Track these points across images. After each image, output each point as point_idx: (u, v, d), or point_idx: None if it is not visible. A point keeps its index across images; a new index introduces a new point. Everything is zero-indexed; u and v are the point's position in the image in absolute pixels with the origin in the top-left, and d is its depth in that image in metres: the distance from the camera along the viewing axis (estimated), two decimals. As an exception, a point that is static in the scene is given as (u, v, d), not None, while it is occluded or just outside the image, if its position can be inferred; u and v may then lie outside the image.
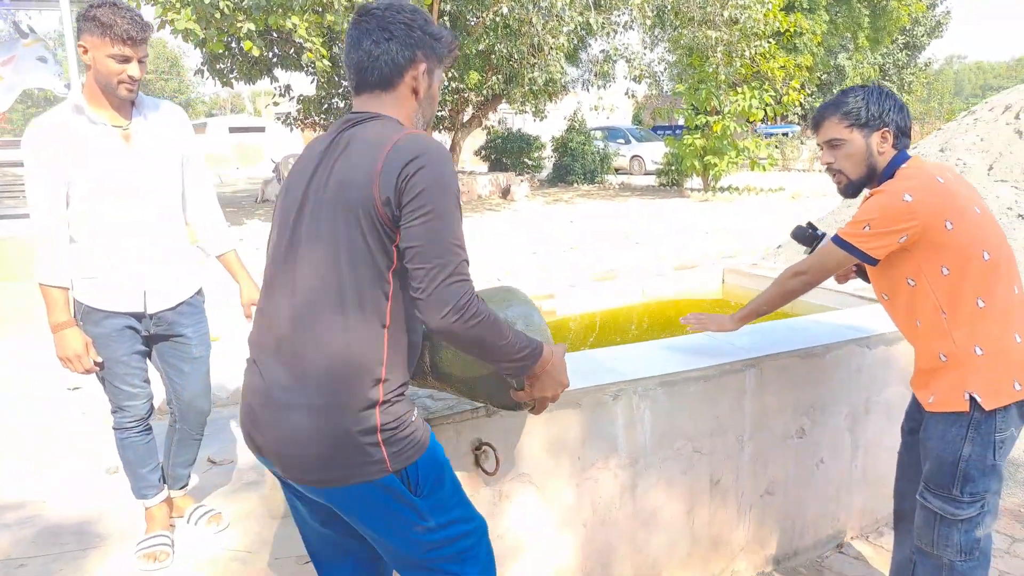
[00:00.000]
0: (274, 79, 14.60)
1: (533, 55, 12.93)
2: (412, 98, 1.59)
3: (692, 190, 16.98)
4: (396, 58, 1.54)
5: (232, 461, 3.83)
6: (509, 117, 24.36)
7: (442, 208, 1.42)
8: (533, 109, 16.16)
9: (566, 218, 13.11)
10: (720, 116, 15.47)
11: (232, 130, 33.84)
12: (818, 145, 2.16)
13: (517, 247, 9.82)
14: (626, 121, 28.23)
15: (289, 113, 16.44)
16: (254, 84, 14.85)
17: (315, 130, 17.64)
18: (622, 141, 24.23)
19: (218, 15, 9.83)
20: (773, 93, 15.49)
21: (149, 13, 9.75)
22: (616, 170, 23.26)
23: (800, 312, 3.49)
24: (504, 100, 15.92)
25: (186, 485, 3.05)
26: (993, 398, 1.92)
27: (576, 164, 19.47)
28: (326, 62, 10.50)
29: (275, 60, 14.12)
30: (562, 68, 13.14)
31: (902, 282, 2.04)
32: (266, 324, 1.55)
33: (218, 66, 13.74)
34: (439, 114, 16.78)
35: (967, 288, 1.94)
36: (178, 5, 9.63)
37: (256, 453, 1.58)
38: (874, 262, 1.99)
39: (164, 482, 2.95)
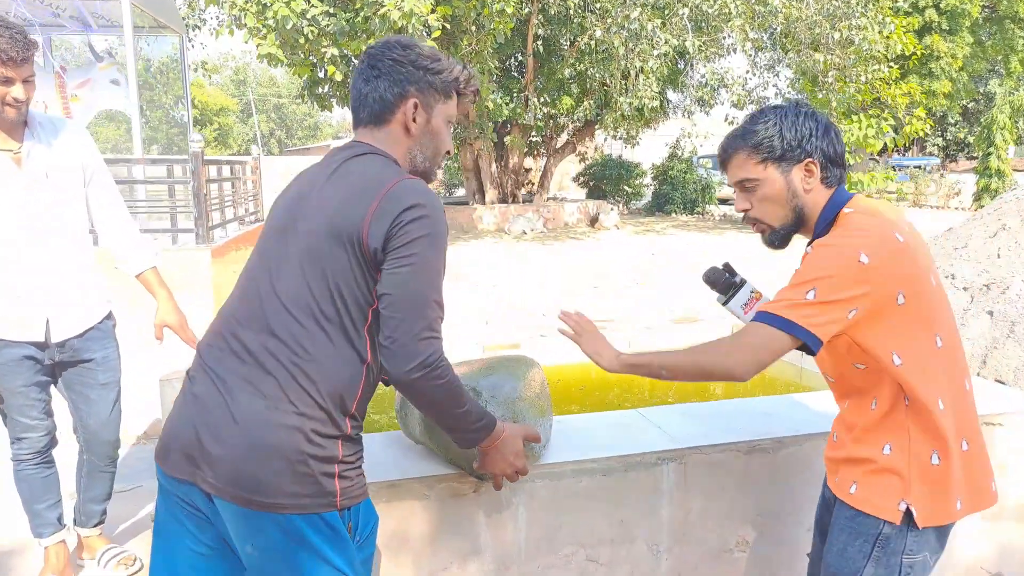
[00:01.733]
0: (370, 103, 14.89)
1: (624, 80, 12.48)
2: (405, 135, 1.55)
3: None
4: (384, 95, 1.52)
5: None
6: (616, 144, 23.89)
7: (428, 261, 1.41)
8: (625, 136, 15.65)
9: (650, 250, 12.49)
10: (831, 146, 14.31)
11: (353, 152, 35.24)
12: (731, 187, 1.68)
13: (566, 280, 9.35)
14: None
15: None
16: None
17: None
18: (732, 170, 23.13)
19: (302, 40, 10.09)
20: (893, 122, 14.18)
21: (240, 37, 10.18)
22: (725, 201, 22.21)
23: (761, 387, 2.90)
24: (597, 126, 15.51)
25: (101, 523, 2.88)
26: (931, 516, 1.51)
27: (676, 193, 18.67)
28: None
29: (371, 85, 14.39)
30: (654, 93, 12.58)
31: (848, 366, 1.57)
32: (230, 332, 1.45)
33: (317, 90, 14.19)
34: (533, 139, 16.59)
35: (925, 384, 1.51)
36: (264, 31, 9.97)
37: (164, 456, 1.45)
38: (818, 346, 1.48)
39: (67, 523, 2.80)
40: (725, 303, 1.80)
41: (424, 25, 9.59)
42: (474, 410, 1.54)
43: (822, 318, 1.45)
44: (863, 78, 13.32)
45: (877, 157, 25.35)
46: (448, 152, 1.62)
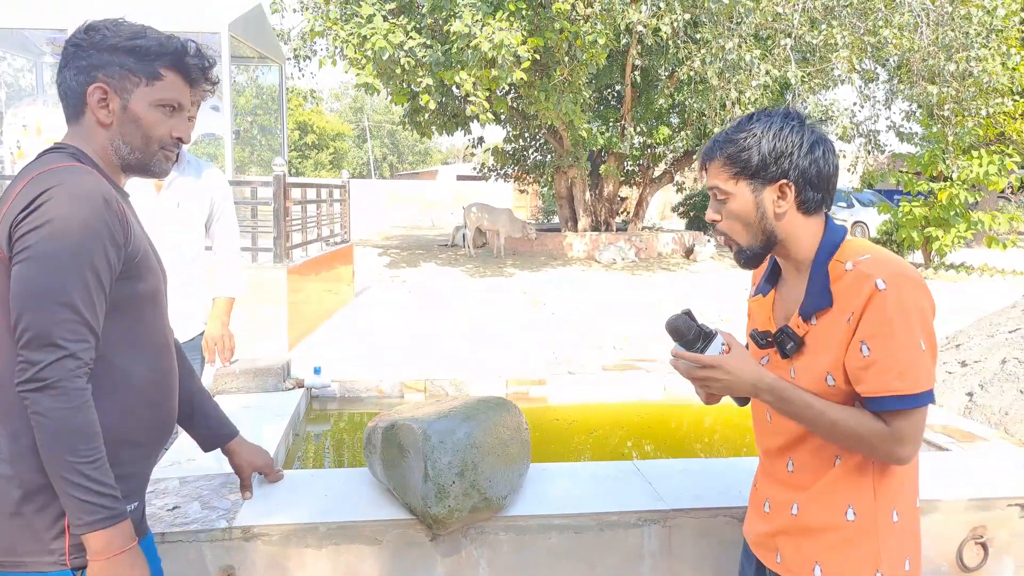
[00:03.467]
0: (468, 131, 15.21)
1: (721, 111, 12.13)
2: (100, 127, 1.38)
3: (911, 265, 14.73)
4: (71, 84, 1.37)
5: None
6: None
7: (47, 253, 1.20)
8: (723, 167, 15.11)
9: (743, 285, 11.97)
10: (948, 183, 13.32)
11: (459, 178, 36.16)
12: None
13: (648, 312, 9.06)
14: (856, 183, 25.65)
15: (484, 163, 17.06)
16: (451, 135, 15.60)
17: (505, 180, 18.14)
18: (843, 205, 21.98)
19: (399, 70, 10.42)
20: (1019, 159, 13.02)
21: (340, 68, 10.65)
22: (836, 236, 21.10)
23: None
24: (696, 156, 15.13)
25: None
26: None
27: (779, 227, 17.86)
28: (489, 115, 10.67)
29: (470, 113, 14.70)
30: (753, 125, 12.09)
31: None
32: None
33: (417, 118, 14.58)
34: (629, 168, 16.39)
35: None
36: (364, 61, 10.37)
37: None
38: None
39: None
40: (699, 350, 1.52)
41: (514, 56, 9.69)
42: (100, 478, 1.23)
43: (934, 368, 1.31)
44: (984, 112, 12.36)
45: (1010, 196, 23.39)
46: (181, 138, 1.42)
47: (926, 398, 1.27)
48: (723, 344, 1.42)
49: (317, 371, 2.99)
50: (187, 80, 1.42)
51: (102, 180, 1.32)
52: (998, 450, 2.45)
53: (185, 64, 1.40)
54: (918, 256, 15.21)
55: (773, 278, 1.52)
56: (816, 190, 1.39)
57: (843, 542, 1.34)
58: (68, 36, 1.40)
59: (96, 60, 1.35)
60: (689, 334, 1.43)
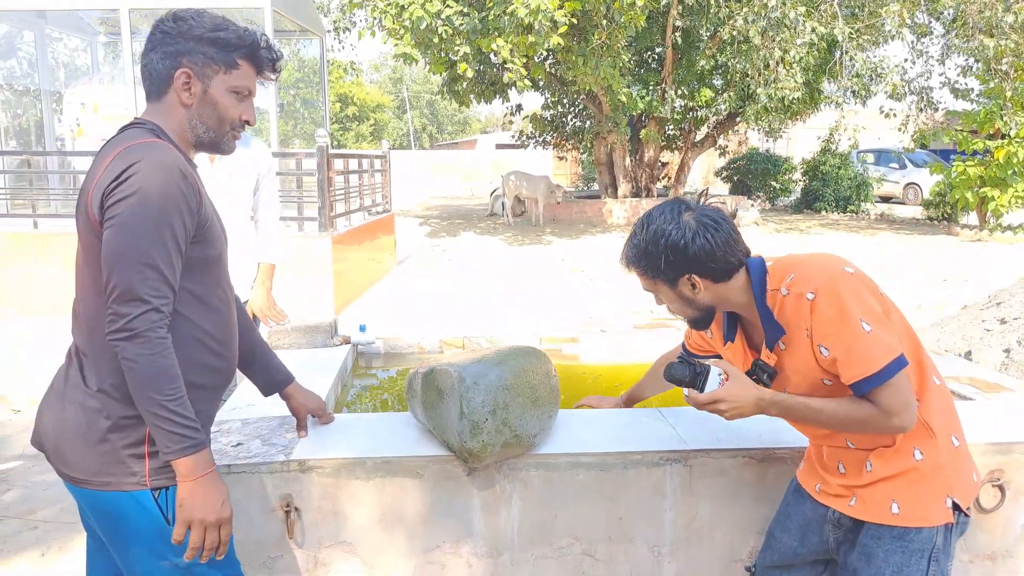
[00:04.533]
0: (506, 99, 15.19)
1: (765, 71, 11.88)
2: (181, 107, 1.55)
3: (965, 227, 14.30)
4: (157, 67, 1.53)
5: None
6: (769, 138, 22.77)
7: (134, 219, 1.38)
8: (767, 128, 14.87)
9: (788, 250, 11.83)
10: (1005, 140, 12.85)
11: (498, 147, 36.10)
12: None
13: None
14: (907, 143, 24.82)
15: (522, 131, 17.04)
16: (489, 104, 15.61)
17: (544, 148, 18.11)
18: (895, 166, 21.36)
19: (436, 39, 10.48)
20: (1083, 113, 12.45)
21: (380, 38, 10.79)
22: (889, 199, 20.59)
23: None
24: (739, 119, 14.87)
25: None
26: (968, 497, 1.57)
27: (827, 190, 17.50)
28: (527, 81, 10.67)
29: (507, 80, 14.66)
30: (797, 84, 11.87)
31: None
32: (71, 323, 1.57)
33: (455, 87, 14.63)
34: (670, 132, 16.20)
35: (922, 360, 1.60)
36: (402, 31, 10.45)
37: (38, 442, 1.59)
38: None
39: None
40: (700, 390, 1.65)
41: (551, 21, 9.65)
42: (183, 412, 1.41)
43: (891, 336, 1.46)
44: (1045, 64, 11.84)
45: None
46: (248, 121, 1.60)
47: (892, 368, 1.44)
48: (720, 374, 1.57)
49: (363, 328, 3.17)
50: (258, 70, 1.60)
51: (179, 154, 1.50)
52: (1023, 399, 2.49)
53: (259, 56, 1.58)
54: (972, 218, 14.76)
55: (734, 323, 1.71)
56: (717, 266, 1.55)
57: (917, 480, 1.53)
58: (158, 22, 1.56)
59: (182, 47, 1.51)
60: (686, 378, 1.58)
